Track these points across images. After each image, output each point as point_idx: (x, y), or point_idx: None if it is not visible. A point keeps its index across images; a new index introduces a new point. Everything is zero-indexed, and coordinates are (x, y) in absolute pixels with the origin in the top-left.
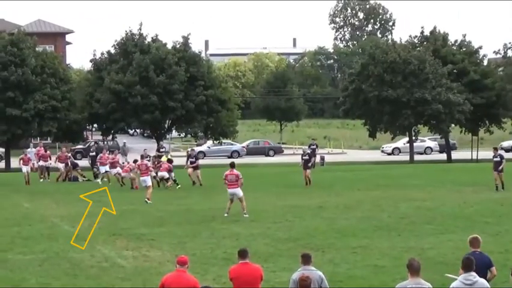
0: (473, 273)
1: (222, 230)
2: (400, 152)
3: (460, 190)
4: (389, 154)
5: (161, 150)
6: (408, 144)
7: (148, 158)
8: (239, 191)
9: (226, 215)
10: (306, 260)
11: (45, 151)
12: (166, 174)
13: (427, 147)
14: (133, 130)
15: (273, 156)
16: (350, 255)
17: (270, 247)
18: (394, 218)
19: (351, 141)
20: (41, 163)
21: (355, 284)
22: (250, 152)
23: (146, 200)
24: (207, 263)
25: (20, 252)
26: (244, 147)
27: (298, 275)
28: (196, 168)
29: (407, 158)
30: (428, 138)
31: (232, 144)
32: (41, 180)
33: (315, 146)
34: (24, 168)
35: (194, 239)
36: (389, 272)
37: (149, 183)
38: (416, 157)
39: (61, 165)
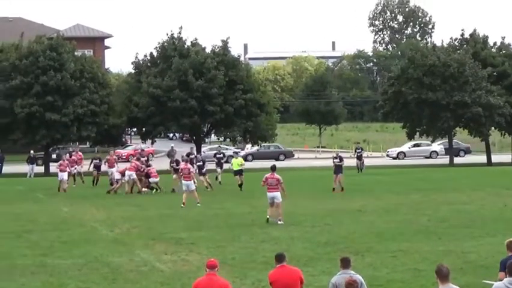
0: None
1: (261, 234)
2: (405, 156)
3: (500, 193)
4: (394, 158)
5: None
6: (414, 148)
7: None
8: (279, 195)
9: (268, 217)
10: (345, 263)
11: (70, 156)
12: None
13: (433, 151)
14: (172, 134)
15: (283, 160)
16: (390, 259)
17: (309, 251)
18: (434, 222)
19: (390, 144)
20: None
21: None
22: (259, 156)
23: (198, 203)
24: (246, 267)
25: (59, 256)
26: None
27: (339, 279)
28: (203, 174)
29: (412, 162)
30: (439, 143)
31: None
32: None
33: (360, 150)
34: (61, 175)
35: (233, 243)
36: (428, 275)
37: (193, 187)
38: (426, 161)
39: (113, 170)
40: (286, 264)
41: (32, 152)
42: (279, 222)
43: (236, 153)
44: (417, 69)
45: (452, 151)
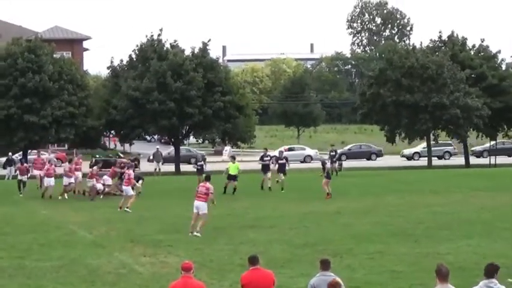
0: (494, 280)
1: (239, 236)
2: (420, 157)
3: (477, 195)
4: (408, 159)
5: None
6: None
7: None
8: (204, 206)
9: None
10: (325, 265)
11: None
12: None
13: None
14: (151, 136)
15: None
16: (367, 261)
17: (287, 253)
18: (411, 224)
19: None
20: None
21: None
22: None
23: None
24: (224, 269)
25: (37, 259)
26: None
27: (317, 281)
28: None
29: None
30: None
31: (304, 149)
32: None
33: (335, 153)
34: (48, 181)
35: (211, 245)
36: (406, 277)
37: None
38: (434, 162)
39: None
40: (260, 266)
41: (10, 154)
42: (196, 234)
43: (233, 157)
44: (396, 70)
45: (430, 153)
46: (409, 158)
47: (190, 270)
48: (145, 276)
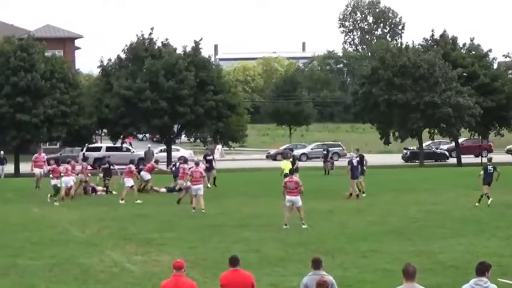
0: (484, 279)
1: (232, 235)
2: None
3: (470, 194)
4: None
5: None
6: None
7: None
8: (298, 199)
9: (285, 226)
10: (316, 264)
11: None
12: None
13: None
14: (142, 135)
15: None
16: (360, 260)
17: (280, 251)
18: (404, 222)
19: (360, 145)
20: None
21: None
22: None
23: (202, 210)
24: (217, 267)
25: (29, 257)
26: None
27: (310, 280)
28: (209, 169)
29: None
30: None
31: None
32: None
33: (326, 152)
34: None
35: (204, 243)
36: (398, 276)
37: (202, 192)
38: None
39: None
40: (240, 268)
41: (2, 152)
42: (303, 226)
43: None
44: (388, 69)
45: (422, 152)
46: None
47: (182, 269)
48: (137, 274)
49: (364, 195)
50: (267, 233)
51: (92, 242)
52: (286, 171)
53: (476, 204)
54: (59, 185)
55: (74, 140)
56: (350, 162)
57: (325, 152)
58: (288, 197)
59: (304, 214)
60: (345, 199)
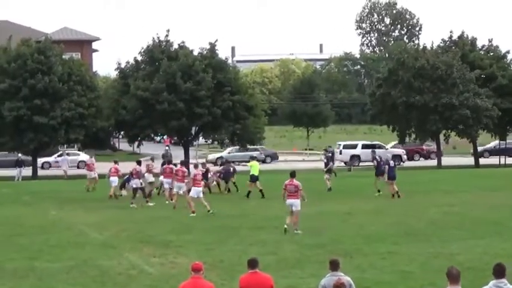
0: (504, 280)
1: (249, 237)
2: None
3: (488, 195)
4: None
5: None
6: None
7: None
8: (298, 203)
9: (286, 226)
10: (334, 266)
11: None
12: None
13: None
14: (160, 137)
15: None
16: (378, 261)
17: (297, 253)
18: (422, 224)
19: None
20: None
21: None
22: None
23: (208, 211)
24: (234, 270)
25: (47, 260)
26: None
27: (328, 281)
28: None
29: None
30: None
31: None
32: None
33: (330, 154)
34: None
35: (221, 245)
36: (416, 277)
37: (201, 194)
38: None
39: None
40: (259, 270)
41: (20, 155)
42: (296, 232)
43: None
44: (407, 71)
45: (440, 153)
46: None
47: (200, 271)
48: (154, 277)
49: (378, 194)
50: (284, 235)
51: (110, 244)
52: (253, 172)
53: None
54: (135, 186)
55: (92, 143)
56: (387, 163)
57: (329, 155)
58: (288, 200)
59: (298, 219)
60: (391, 199)
